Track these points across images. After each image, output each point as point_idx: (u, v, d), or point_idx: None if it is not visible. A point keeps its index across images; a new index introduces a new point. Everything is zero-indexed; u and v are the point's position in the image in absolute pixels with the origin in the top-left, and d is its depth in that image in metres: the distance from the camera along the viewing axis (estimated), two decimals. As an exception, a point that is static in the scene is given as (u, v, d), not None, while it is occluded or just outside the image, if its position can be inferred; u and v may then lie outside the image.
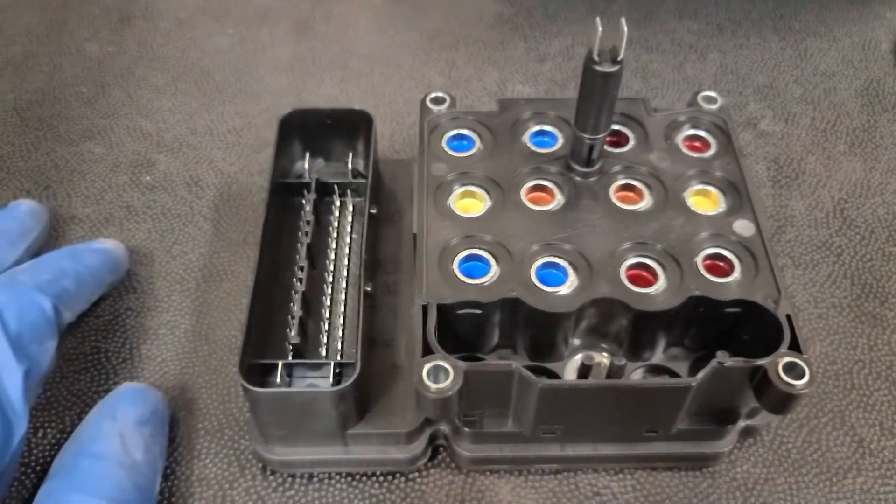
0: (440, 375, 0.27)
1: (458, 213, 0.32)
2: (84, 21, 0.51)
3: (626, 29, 0.28)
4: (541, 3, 0.52)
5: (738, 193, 0.33)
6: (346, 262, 0.35)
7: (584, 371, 0.29)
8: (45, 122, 0.45)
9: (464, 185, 0.33)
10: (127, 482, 0.28)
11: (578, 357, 0.32)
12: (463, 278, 0.30)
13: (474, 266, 0.31)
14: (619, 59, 0.29)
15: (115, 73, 0.48)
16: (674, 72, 0.49)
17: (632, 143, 0.35)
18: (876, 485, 0.32)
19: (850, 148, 0.44)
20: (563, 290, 0.30)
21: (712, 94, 0.36)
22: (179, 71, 0.48)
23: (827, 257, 0.40)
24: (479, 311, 0.30)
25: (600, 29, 0.28)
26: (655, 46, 0.50)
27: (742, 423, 0.32)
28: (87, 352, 0.36)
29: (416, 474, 0.32)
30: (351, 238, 0.36)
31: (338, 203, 0.37)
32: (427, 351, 0.28)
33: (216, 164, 0.43)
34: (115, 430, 0.29)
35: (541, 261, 0.31)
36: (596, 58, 0.29)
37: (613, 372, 0.28)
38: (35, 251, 0.37)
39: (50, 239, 0.39)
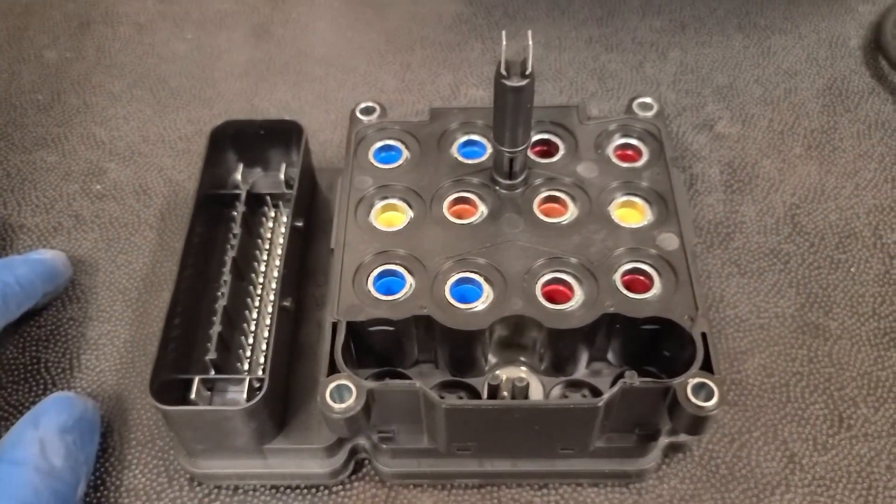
0: (344, 394, 0.27)
1: (379, 227, 0.32)
2: (45, 26, 0.52)
3: (531, 42, 0.27)
4: (501, 2, 0.51)
5: (665, 205, 0.32)
6: (274, 274, 0.35)
7: (493, 391, 0.28)
8: (0, 129, 0.46)
9: (386, 198, 0.33)
10: (43, 487, 0.28)
11: (497, 374, 0.31)
12: (377, 294, 0.30)
13: (392, 281, 0.31)
14: (527, 72, 0.28)
15: (72, 79, 0.48)
16: (632, 72, 0.48)
17: (561, 152, 0.34)
18: (804, 502, 0.32)
19: (807, 151, 0.43)
20: (478, 306, 0.30)
21: (648, 100, 0.36)
22: (136, 77, 0.49)
23: (774, 265, 0.39)
24: (391, 329, 0.30)
25: (505, 42, 0.28)
26: (616, 45, 0.49)
27: (666, 440, 0.31)
28: (27, 362, 0.36)
29: (340, 487, 0.33)
30: (282, 250, 0.36)
31: (271, 214, 0.37)
32: (333, 370, 0.28)
33: (165, 172, 0.43)
34: (36, 437, 0.30)
35: (456, 276, 0.30)
36: (504, 72, 0.28)
37: (517, 392, 0.27)
38: (-22, 262, 0.37)
39: (-3, 249, 0.40)
